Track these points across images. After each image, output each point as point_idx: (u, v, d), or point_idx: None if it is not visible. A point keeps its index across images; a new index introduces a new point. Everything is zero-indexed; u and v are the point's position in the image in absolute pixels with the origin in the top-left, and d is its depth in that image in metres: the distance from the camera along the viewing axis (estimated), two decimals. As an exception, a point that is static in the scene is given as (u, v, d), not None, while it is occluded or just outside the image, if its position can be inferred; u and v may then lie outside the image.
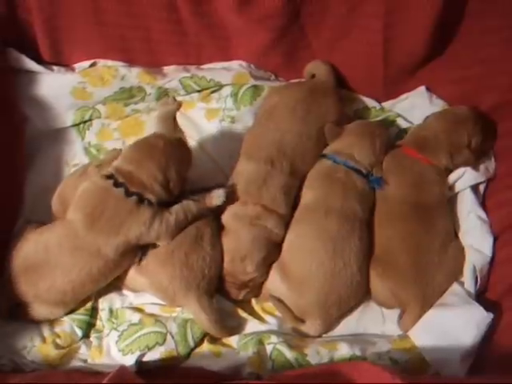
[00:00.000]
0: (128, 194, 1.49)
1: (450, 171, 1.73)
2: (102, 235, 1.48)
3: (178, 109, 1.69)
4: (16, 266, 1.53)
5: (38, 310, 1.56)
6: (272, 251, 1.62)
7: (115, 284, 1.62)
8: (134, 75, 1.91)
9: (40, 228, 1.58)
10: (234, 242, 1.61)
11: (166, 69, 1.95)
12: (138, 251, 1.56)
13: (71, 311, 1.60)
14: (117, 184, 1.50)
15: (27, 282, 1.53)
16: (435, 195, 1.68)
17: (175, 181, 1.54)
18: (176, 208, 1.54)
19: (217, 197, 1.58)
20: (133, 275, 1.59)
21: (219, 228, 1.63)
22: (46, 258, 1.51)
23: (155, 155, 1.53)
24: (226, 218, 1.63)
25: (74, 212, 1.51)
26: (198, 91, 1.91)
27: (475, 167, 1.74)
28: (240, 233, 1.60)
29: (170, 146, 1.56)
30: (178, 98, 1.91)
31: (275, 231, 1.62)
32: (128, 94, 1.90)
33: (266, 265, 1.62)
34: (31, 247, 1.54)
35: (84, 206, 1.50)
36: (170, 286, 1.54)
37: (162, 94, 1.91)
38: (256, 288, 1.64)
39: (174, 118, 1.67)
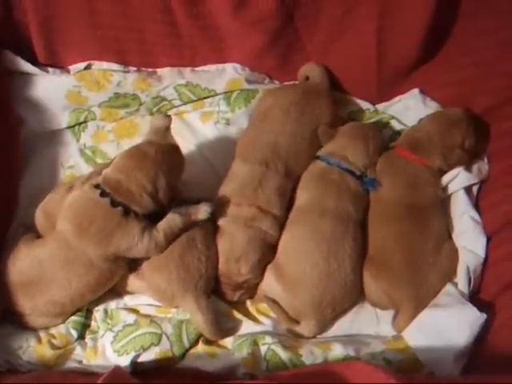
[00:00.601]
0: (114, 204, 1.48)
1: (444, 172, 1.74)
2: (91, 245, 1.47)
3: (169, 124, 1.68)
4: (10, 281, 1.52)
5: (37, 321, 1.56)
6: (267, 253, 1.63)
7: (112, 288, 1.60)
8: (129, 82, 1.89)
9: (32, 242, 1.56)
10: (228, 243, 1.61)
11: (160, 71, 1.94)
12: (130, 260, 1.56)
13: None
14: (103, 194, 1.49)
15: (24, 296, 1.52)
16: (429, 196, 1.68)
17: (165, 190, 1.52)
18: (162, 226, 1.52)
19: (203, 211, 1.56)
20: (131, 279, 1.59)
21: (213, 228, 1.63)
22: (41, 273, 1.50)
23: (146, 164, 1.51)
24: (220, 219, 1.63)
25: (63, 222, 1.51)
26: (193, 101, 1.91)
27: (468, 169, 1.74)
28: (235, 234, 1.60)
29: (162, 153, 1.54)
30: (173, 108, 1.91)
31: (270, 232, 1.62)
32: (123, 102, 1.90)
33: (261, 266, 1.62)
34: (25, 263, 1.52)
35: (73, 217, 1.49)
36: (168, 288, 1.54)
37: (157, 103, 1.90)
38: (251, 289, 1.64)
39: (166, 131, 1.66)
